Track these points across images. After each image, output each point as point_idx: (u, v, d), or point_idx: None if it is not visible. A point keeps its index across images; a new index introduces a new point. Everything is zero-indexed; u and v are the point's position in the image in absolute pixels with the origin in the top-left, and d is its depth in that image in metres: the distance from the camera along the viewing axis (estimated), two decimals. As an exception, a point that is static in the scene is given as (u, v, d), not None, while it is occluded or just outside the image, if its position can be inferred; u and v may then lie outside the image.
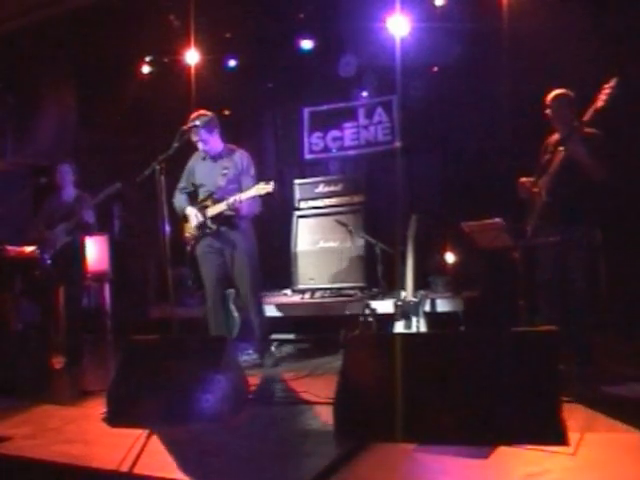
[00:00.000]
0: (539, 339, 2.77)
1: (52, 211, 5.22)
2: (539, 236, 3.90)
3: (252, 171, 4.59)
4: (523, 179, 3.98)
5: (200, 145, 4.56)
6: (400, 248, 4.86)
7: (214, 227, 4.48)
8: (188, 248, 4.67)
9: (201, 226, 4.52)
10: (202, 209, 4.54)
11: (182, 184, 4.75)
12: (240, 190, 4.46)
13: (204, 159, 4.67)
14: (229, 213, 4.46)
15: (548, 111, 3.94)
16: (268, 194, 4.29)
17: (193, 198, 4.70)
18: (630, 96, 3.68)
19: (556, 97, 3.92)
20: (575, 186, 3.74)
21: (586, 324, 3.80)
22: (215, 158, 4.63)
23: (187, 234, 4.65)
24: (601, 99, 3.59)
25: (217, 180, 4.52)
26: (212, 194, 4.53)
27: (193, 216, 4.55)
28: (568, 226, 3.77)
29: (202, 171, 4.66)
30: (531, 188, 3.93)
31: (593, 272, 4.66)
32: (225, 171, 4.52)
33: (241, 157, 4.62)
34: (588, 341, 3.80)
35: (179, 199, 4.71)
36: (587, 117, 3.66)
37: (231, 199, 4.37)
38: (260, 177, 4.81)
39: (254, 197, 4.34)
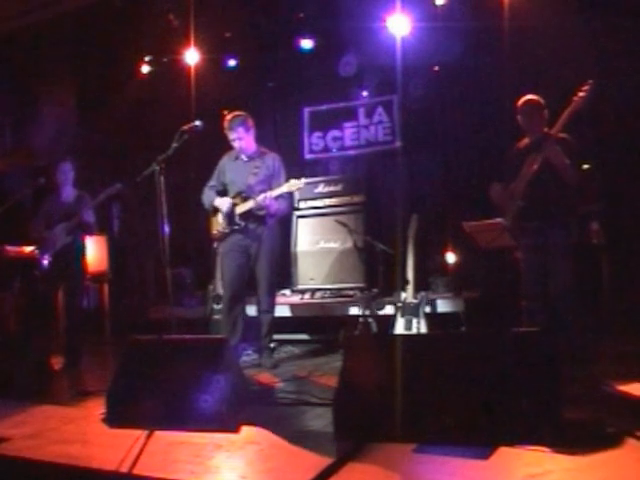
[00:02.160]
0: (539, 339, 2.77)
1: (52, 211, 5.20)
2: (516, 240, 3.92)
3: (283, 174, 4.63)
4: (495, 185, 3.99)
5: (236, 143, 4.59)
6: (400, 248, 4.86)
7: (242, 224, 4.52)
8: (215, 245, 4.70)
9: (229, 217, 4.55)
10: (231, 206, 4.58)
11: (212, 182, 4.79)
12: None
13: (236, 159, 4.71)
14: (258, 212, 4.50)
15: (519, 117, 3.95)
16: (299, 190, 4.44)
17: (223, 196, 4.72)
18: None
19: (526, 103, 3.94)
20: (551, 190, 3.76)
21: (578, 324, 3.80)
22: (247, 158, 4.67)
23: (215, 231, 4.67)
24: (577, 102, 3.62)
25: (247, 179, 4.57)
26: (241, 192, 4.57)
27: (222, 204, 4.57)
28: (547, 229, 3.79)
29: (233, 170, 4.70)
30: (502, 193, 3.95)
31: (595, 272, 4.67)
32: (256, 170, 4.58)
33: (273, 160, 4.68)
34: (584, 341, 3.80)
35: (208, 194, 4.75)
36: (563, 119, 3.68)
37: (261, 196, 4.41)
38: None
39: (284, 195, 4.46)
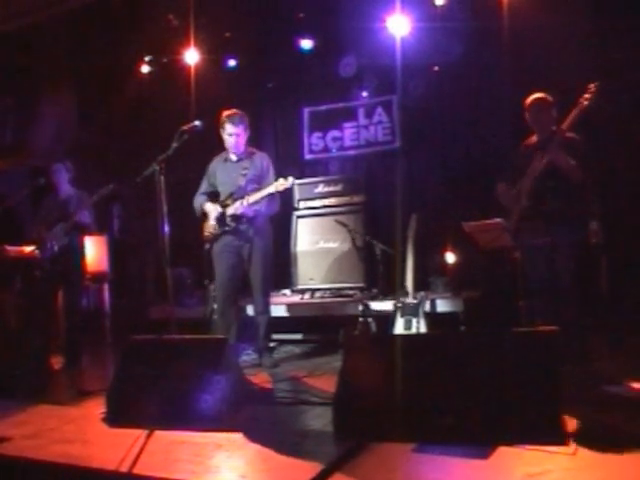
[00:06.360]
0: (539, 339, 2.77)
1: (50, 211, 5.21)
2: (520, 239, 3.93)
3: (272, 173, 4.65)
4: (500, 185, 4.00)
5: (232, 138, 4.56)
6: (400, 248, 4.86)
7: (233, 225, 4.52)
8: (207, 246, 4.70)
9: (220, 220, 4.56)
10: (222, 208, 4.59)
11: (202, 187, 4.80)
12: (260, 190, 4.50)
13: (225, 161, 4.73)
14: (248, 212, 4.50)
15: (527, 114, 3.96)
16: (287, 190, 4.40)
17: (214, 199, 4.72)
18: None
19: (535, 101, 3.94)
20: (557, 189, 3.76)
21: (579, 323, 3.80)
22: (236, 159, 4.67)
23: (207, 233, 4.67)
24: (583, 102, 3.62)
25: (237, 180, 4.58)
26: (232, 194, 4.57)
27: (212, 210, 4.60)
28: (552, 228, 3.79)
29: (223, 172, 4.71)
30: (508, 193, 3.95)
31: (594, 272, 4.68)
32: (245, 171, 4.58)
33: (261, 159, 4.70)
34: (584, 341, 3.81)
35: (198, 200, 4.76)
36: (570, 120, 3.69)
37: (237, 203, 4.44)
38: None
39: (273, 195, 4.43)
